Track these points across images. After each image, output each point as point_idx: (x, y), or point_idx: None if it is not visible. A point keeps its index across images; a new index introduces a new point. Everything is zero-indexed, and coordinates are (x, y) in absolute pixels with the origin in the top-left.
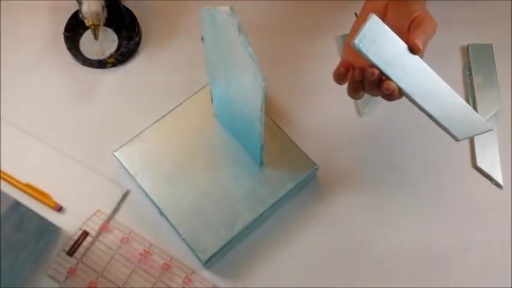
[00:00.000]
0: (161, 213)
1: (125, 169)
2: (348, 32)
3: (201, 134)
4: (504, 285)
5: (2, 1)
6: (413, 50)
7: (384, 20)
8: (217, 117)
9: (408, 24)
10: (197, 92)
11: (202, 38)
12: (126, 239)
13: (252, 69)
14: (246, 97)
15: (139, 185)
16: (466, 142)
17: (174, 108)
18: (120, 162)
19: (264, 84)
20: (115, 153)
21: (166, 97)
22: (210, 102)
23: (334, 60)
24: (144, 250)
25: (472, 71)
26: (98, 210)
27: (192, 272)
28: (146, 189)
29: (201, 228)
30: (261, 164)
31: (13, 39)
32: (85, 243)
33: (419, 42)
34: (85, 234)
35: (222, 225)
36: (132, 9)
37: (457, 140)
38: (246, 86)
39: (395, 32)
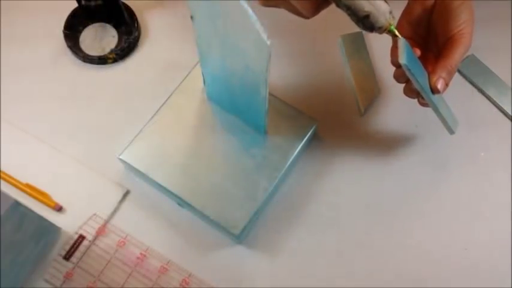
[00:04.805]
0: (180, 203)
1: (133, 168)
2: (349, 31)
3: (199, 117)
4: (504, 285)
5: (1, 1)
6: (433, 90)
7: (429, 18)
8: (211, 98)
9: (446, 39)
10: (183, 79)
11: (191, 17)
12: (122, 243)
13: (255, 30)
14: (247, 64)
15: (152, 182)
16: (466, 142)
17: (166, 100)
18: (127, 163)
19: (269, 43)
20: (120, 156)
21: (168, 91)
22: (199, 87)
23: (336, 60)
24: (141, 253)
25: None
26: (94, 214)
27: (189, 275)
28: (162, 183)
29: (226, 206)
30: (265, 132)
31: (13, 38)
32: (81, 247)
33: (440, 82)
34: (81, 238)
35: (245, 198)
36: (129, 4)
37: (452, 133)
38: (247, 52)
39: (431, 39)
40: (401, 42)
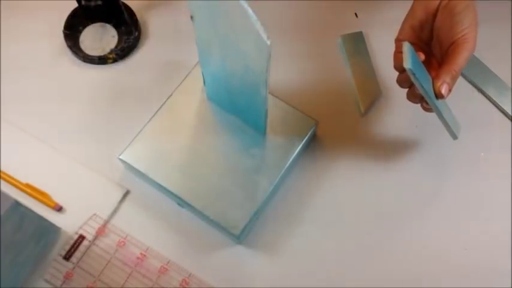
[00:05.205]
0: (180, 203)
1: (133, 168)
2: (349, 31)
3: (199, 117)
4: (504, 285)
5: (2, 1)
6: (437, 95)
7: (432, 23)
8: (211, 99)
9: (449, 44)
10: (183, 79)
11: (191, 17)
12: (122, 243)
13: (255, 30)
14: (247, 64)
15: (152, 182)
16: (466, 142)
17: (166, 100)
18: (127, 163)
19: (269, 43)
20: (120, 156)
21: (168, 91)
22: (199, 87)
23: (336, 60)
24: (141, 253)
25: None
26: (94, 214)
27: (189, 275)
28: (162, 183)
29: (226, 206)
30: (265, 132)
31: (13, 38)
32: (81, 247)
33: (444, 87)
34: (81, 238)
35: (245, 199)
36: (129, 4)
37: (455, 138)
38: (247, 52)
39: (435, 44)
40: (406, 46)
